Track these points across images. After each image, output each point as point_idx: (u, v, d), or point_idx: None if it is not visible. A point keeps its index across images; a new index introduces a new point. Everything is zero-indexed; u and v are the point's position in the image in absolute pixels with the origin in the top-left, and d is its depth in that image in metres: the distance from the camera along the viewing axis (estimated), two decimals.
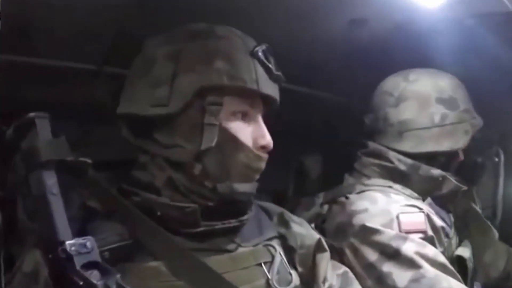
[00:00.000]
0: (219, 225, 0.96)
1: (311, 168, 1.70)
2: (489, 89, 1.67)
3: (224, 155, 0.95)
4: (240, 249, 0.99)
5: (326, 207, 1.44)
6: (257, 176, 1.02)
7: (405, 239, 1.23)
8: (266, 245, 1.04)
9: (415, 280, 1.19)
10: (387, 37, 1.44)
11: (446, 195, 1.47)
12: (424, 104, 1.43)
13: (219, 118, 0.94)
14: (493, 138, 2.08)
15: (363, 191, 1.40)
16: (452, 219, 1.57)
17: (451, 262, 1.36)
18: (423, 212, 1.32)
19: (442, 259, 1.25)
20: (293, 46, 1.39)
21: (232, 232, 1.00)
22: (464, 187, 1.50)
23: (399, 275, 1.20)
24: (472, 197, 1.95)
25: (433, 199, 1.45)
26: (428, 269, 1.20)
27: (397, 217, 1.27)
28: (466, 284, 1.38)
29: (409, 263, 1.20)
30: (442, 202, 1.50)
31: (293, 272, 1.05)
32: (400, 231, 1.25)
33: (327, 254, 1.13)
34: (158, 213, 0.92)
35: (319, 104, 1.81)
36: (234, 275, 0.94)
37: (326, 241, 1.16)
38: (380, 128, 1.48)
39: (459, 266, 1.41)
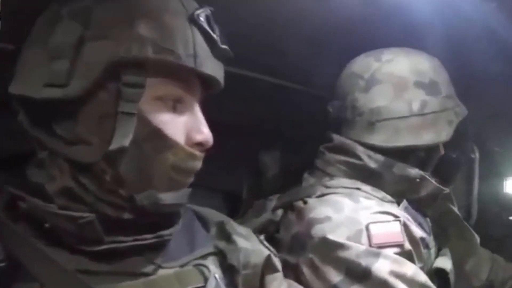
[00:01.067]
0: (129, 241, 0.75)
1: (268, 166, 1.49)
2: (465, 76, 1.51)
3: (145, 155, 0.73)
4: (161, 272, 0.78)
5: (280, 212, 1.23)
6: (190, 180, 0.81)
7: (377, 255, 1.04)
8: (197, 265, 0.83)
9: None
10: (362, 15, 1.25)
11: (424, 198, 1.28)
12: (400, 89, 1.23)
13: (140, 105, 0.72)
14: (469, 132, 1.97)
15: (324, 194, 1.18)
16: (430, 224, 1.38)
17: (430, 276, 1.18)
18: (399, 220, 1.12)
19: (422, 278, 1.06)
20: (252, 27, 1.21)
21: (151, 250, 0.78)
22: (446, 190, 1.31)
23: None
24: (450, 198, 1.80)
25: (409, 201, 1.26)
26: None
27: (367, 227, 1.07)
28: None
29: (382, 285, 1.02)
30: (418, 206, 1.30)
31: None
32: (370, 245, 1.05)
33: (279, 275, 0.94)
34: (46, 225, 0.71)
35: (284, 96, 1.60)
36: None
37: (279, 257, 0.98)
38: (347, 118, 1.27)
39: (440, 280, 1.24)
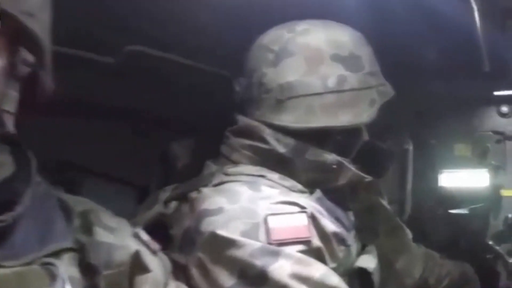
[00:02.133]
0: None
1: (178, 156, 1.33)
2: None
3: None
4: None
5: (173, 205, 1.06)
6: None
7: (276, 254, 0.88)
8: (46, 264, 0.66)
9: None
10: None
11: (343, 187, 1.14)
12: (315, 62, 1.09)
13: None
14: (402, 122, 1.94)
15: (223, 183, 1.03)
16: (352, 219, 1.23)
17: (351, 276, 1.06)
18: (306, 212, 0.97)
19: (333, 281, 0.92)
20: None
21: None
22: (368, 178, 1.17)
23: None
24: (379, 191, 1.70)
25: (326, 192, 1.11)
26: None
27: (265, 220, 0.91)
28: None
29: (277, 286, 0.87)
30: (338, 197, 1.15)
31: None
32: (269, 242, 0.90)
33: (151, 276, 0.78)
34: None
35: (195, 78, 1.45)
36: None
37: (171, 256, 0.85)
38: (254, 97, 1.13)
39: (362, 280, 1.10)
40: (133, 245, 0.78)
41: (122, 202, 1.39)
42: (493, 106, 2.20)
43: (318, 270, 0.91)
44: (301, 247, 0.92)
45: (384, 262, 1.47)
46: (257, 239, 0.90)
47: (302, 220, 0.95)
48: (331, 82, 1.08)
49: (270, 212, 0.93)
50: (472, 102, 2.21)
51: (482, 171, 2.13)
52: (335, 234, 1.02)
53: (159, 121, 1.59)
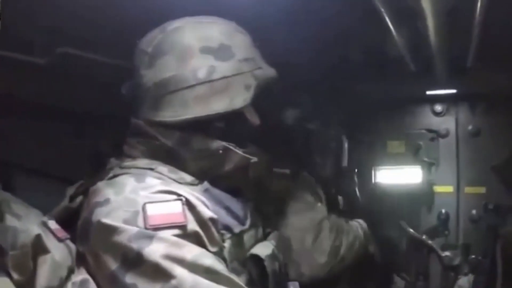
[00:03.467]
0: None
1: (107, 153, 1.36)
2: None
3: None
4: None
5: (79, 199, 1.10)
6: None
7: (151, 238, 0.93)
8: None
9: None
10: None
11: (232, 172, 1.17)
12: (185, 57, 1.12)
13: None
14: (338, 117, 2.02)
15: (115, 176, 1.08)
16: (250, 208, 1.24)
17: (245, 262, 1.10)
18: (181, 199, 1.00)
19: (207, 262, 0.95)
20: None
21: None
22: (254, 158, 1.17)
23: (146, 285, 0.91)
24: (303, 178, 1.83)
25: (218, 184, 1.14)
26: (185, 277, 0.92)
27: (143, 208, 0.96)
28: (267, 286, 1.13)
29: (155, 271, 0.91)
30: (232, 189, 1.18)
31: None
32: (146, 227, 0.94)
33: (50, 256, 0.87)
34: None
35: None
36: None
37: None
38: (136, 97, 1.17)
39: (257, 267, 1.14)
40: (36, 230, 0.86)
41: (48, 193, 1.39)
42: (427, 105, 2.33)
43: (190, 252, 0.95)
44: (176, 231, 0.96)
45: (294, 240, 1.61)
46: (136, 225, 0.93)
47: (177, 207, 0.99)
48: (201, 73, 1.10)
49: (148, 201, 0.96)
50: (406, 101, 2.33)
51: (415, 168, 2.25)
52: (214, 220, 1.04)
53: (90, 120, 1.64)
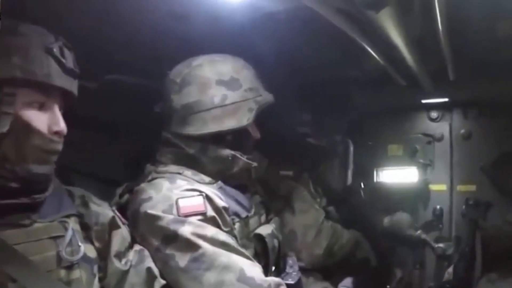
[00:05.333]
0: (9, 202, 1.04)
1: (141, 159, 1.69)
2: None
3: (19, 140, 1.05)
4: (36, 225, 1.08)
5: (126, 197, 1.45)
6: (54, 158, 1.12)
7: (183, 222, 1.29)
8: (61, 222, 1.13)
9: (194, 260, 1.25)
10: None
11: (239, 173, 1.52)
12: (205, 87, 1.45)
13: (16, 107, 1.04)
14: (342, 126, 2.25)
15: (153, 179, 1.42)
16: (257, 200, 1.64)
17: (250, 240, 1.45)
18: (202, 195, 1.36)
19: (222, 237, 1.31)
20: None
21: (28, 210, 1.08)
22: (254, 163, 1.54)
23: (180, 256, 1.26)
24: (304, 179, 2.10)
25: (229, 182, 1.51)
26: (207, 248, 1.26)
27: (176, 202, 1.31)
28: (268, 258, 1.48)
29: (187, 244, 1.26)
30: (240, 185, 1.56)
31: (85, 245, 1.16)
32: (179, 215, 1.30)
33: (120, 231, 1.26)
34: None
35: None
36: (26, 247, 1.04)
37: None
38: (168, 116, 1.51)
39: (260, 243, 1.48)
40: (111, 213, 1.25)
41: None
42: (424, 112, 2.53)
43: (210, 231, 1.31)
44: (199, 217, 1.32)
45: (298, 234, 1.92)
46: (172, 214, 1.31)
47: (199, 200, 1.34)
48: (216, 100, 1.44)
49: (179, 196, 1.33)
50: (405, 109, 2.54)
51: (412, 168, 2.46)
52: (226, 209, 1.41)
53: (127, 131, 1.99)
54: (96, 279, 1.17)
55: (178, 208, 1.30)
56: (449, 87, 2.14)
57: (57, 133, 1.10)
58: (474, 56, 1.76)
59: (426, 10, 1.20)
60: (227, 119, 1.45)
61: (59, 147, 1.12)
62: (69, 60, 1.11)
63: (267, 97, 1.53)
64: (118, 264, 1.22)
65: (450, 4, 1.15)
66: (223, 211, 1.38)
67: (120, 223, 1.28)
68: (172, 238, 1.27)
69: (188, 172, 1.44)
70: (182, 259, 1.25)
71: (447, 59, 1.69)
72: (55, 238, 1.10)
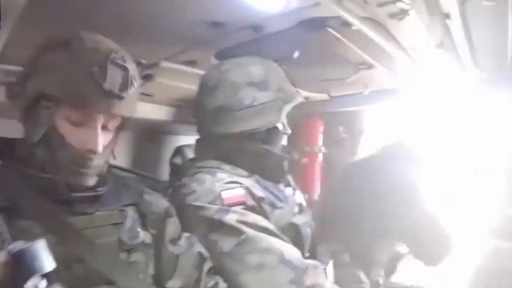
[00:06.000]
0: (77, 195, 1.17)
1: (186, 155, 1.83)
2: None
3: (50, 151, 1.14)
4: (98, 213, 1.20)
5: (170, 190, 1.57)
6: (89, 171, 1.19)
7: (227, 211, 1.41)
8: (120, 210, 1.26)
9: (238, 244, 1.37)
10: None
11: (273, 166, 1.64)
12: (235, 90, 1.57)
13: (53, 120, 1.12)
14: None
15: (195, 173, 1.55)
16: (290, 192, 1.75)
17: (285, 229, 1.55)
18: (243, 186, 1.49)
19: (263, 223, 1.44)
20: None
21: (92, 200, 1.20)
22: (287, 156, 1.67)
23: (225, 241, 1.38)
24: None
25: (264, 175, 1.62)
26: (250, 233, 1.38)
27: (220, 194, 1.44)
28: (302, 246, 1.59)
29: (231, 230, 1.39)
30: (274, 177, 1.67)
31: (142, 231, 1.28)
32: (223, 205, 1.42)
33: (174, 219, 1.38)
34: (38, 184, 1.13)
35: None
36: (91, 231, 1.16)
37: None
38: (202, 117, 1.64)
39: (295, 232, 1.59)
40: (165, 203, 1.40)
41: None
42: None
43: (252, 217, 1.43)
44: (241, 206, 1.44)
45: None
46: (216, 204, 1.43)
47: (240, 191, 1.47)
48: (247, 101, 1.56)
49: (222, 189, 1.45)
50: None
51: None
52: (263, 199, 1.53)
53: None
54: (152, 263, 1.28)
55: (221, 199, 1.43)
56: None
57: (89, 151, 1.14)
58: None
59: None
60: (257, 119, 1.57)
61: (91, 161, 1.16)
62: (114, 80, 1.11)
63: (295, 95, 1.65)
64: (172, 249, 1.32)
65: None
66: (262, 201, 1.51)
67: (173, 212, 1.40)
68: (218, 226, 1.40)
69: (227, 167, 1.57)
70: (226, 244, 1.38)
71: None
72: (115, 224, 1.22)
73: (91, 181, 1.20)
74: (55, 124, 1.12)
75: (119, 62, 1.13)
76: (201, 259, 1.36)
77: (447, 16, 1.19)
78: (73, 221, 1.13)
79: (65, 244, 1.09)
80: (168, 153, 1.88)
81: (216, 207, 1.42)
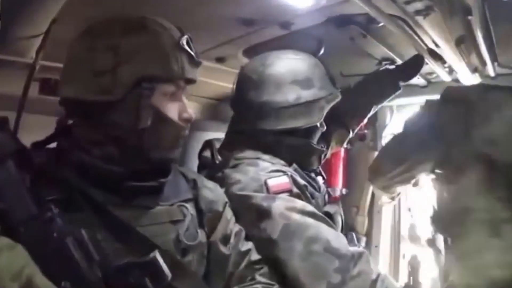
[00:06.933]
0: (141, 184, 1.16)
1: (216, 148, 1.88)
2: None
3: (158, 131, 1.15)
4: (158, 208, 1.19)
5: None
6: (182, 142, 1.23)
7: (274, 198, 1.43)
8: (180, 206, 1.24)
9: (286, 231, 1.38)
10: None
11: (313, 159, 1.71)
12: (280, 86, 1.60)
13: (153, 100, 1.13)
14: None
15: (236, 165, 1.57)
16: (321, 181, 1.81)
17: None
18: (287, 174, 1.52)
19: (310, 208, 1.46)
20: None
21: (154, 192, 1.19)
22: (325, 149, 1.74)
23: (273, 229, 1.40)
24: None
25: (301, 165, 1.65)
26: (298, 219, 1.40)
27: (265, 182, 1.47)
28: None
29: (280, 217, 1.41)
30: (310, 168, 1.73)
31: (200, 230, 1.26)
32: (269, 193, 1.44)
33: (225, 215, 1.36)
34: (92, 172, 1.12)
35: None
36: (149, 229, 1.14)
37: None
38: (243, 109, 1.67)
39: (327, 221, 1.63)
40: (223, 199, 1.38)
41: None
42: None
43: (299, 203, 1.46)
44: (287, 193, 1.46)
45: None
46: (263, 192, 1.44)
47: (285, 179, 1.50)
48: (291, 98, 1.58)
49: (267, 177, 1.47)
50: None
51: None
52: (306, 186, 1.58)
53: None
54: (205, 262, 1.26)
55: (268, 187, 1.45)
56: None
57: (186, 119, 1.20)
58: None
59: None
60: (301, 118, 1.61)
61: (187, 132, 1.23)
62: (195, 52, 1.18)
63: (336, 95, 1.68)
64: (223, 249, 1.29)
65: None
66: (305, 189, 1.55)
67: (228, 209, 1.38)
68: (266, 213, 1.41)
69: (266, 157, 1.60)
70: (274, 232, 1.39)
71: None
72: (175, 222, 1.19)
73: (177, 152, 1.22)
74: (155, 104, 1.14)
75: (191, 36, 1.19)
76: (249, 260, 1.33)
77: (468, 12, 1.23)
78: (129, 216, 1.11)
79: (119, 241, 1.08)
80: (195, 149, 1.91)
81: (263, 195, 1.44)
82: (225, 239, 1.32)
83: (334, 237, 1.41)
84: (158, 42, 1.13)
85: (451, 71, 2.00)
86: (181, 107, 1.20)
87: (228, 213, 1.37)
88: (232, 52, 1.90)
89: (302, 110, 1.60)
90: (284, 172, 1.52)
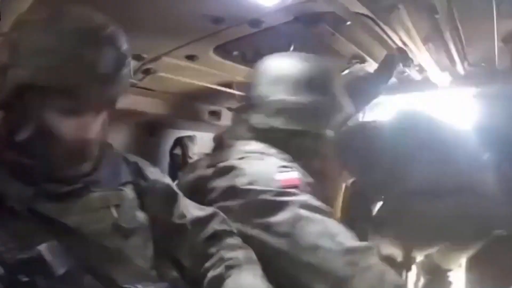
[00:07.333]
0: (68, 189, 1.08)
1: (187, 146, 1.88)
2: None
3: (42, 146, 1.04)
4: (91, 195, 1.10)
5: (211, 170, 1.56)
6: (85, 160, 1.14)
7: (283, 193, 1.41)
8: (117, 190, 1.17)
9: (294, 225, 1.36)
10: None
11: (319, 158, 1.68)
12: (293, 88, 1.59)
13: (42, 111, 1.01)
14: None
15: (243, 157, 1.54)
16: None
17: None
18: (294, 169, 1.51)
19: (315, 203, 1.44)
20: None
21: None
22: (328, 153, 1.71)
23: (280, 223, 1.37)
24: None
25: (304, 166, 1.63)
26: (305, 214, 1.39)
27: (275, 177, 1.45)
28: None
29: (288, 212, 1.39)
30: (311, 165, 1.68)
31: (141, 213, 1.22)
32: (278, 187, 1.42)
33: (179, 196, 1.34)
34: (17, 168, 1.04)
35: None
36: (82, 218, 1.06)
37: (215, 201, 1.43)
38: (254, 103, 1.64)
39: None
40: (166, 180, 1.34)
41: None
42: None
43: (305, 197, 1.43)
44: (296, 187, 1.44)
45: None
46: (271, 186, 1.42)
47: (294, 174, 1.48)
48: (302, 100, 1.57)
49: (276, 172, 1.44)
50: None
51: None
52: (311, 183, 1.53)
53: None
54: (151, 243, 1.21)
55: (277, 182, 1.43)
56: None
57: (83, 140, 1.10)
58: None
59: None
60: (308, 119, 1.61)
61: (90, 149, 1.15)
62: (106, 62, 1.03)
63: (345, 108, 1.70)
64: (178, 221, 1.26)
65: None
66: (310, 184, 1.53)
67: (176, 189, 1.35)
68: (274, 208, 1.39)
69: (273, 151, 1.58)
70: (282, 226, 1.37)
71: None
72: (112, 207, 1.13)
73: (87, 166, 1.13)
74: (43, 116, 1.00)
75: (111, 39, 1.03)
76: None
77: (434, 10, 1.25)
78: (62, 207, 1.03)
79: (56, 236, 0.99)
80: (167, 147, 1.89)
81: (272, 189, 1.43)
82: (180, 217, 1.28)
83: (341, 232, 1.40)
84: (57, 46, 0.98)
85: (421, 70, 2.03)
86: (80, 125, 1.08)
87: (181, 197, 1.33)
88: (203, 50, 1.89)
89: (311, 112, 1.61)
90: (291, 167, 1.51)
